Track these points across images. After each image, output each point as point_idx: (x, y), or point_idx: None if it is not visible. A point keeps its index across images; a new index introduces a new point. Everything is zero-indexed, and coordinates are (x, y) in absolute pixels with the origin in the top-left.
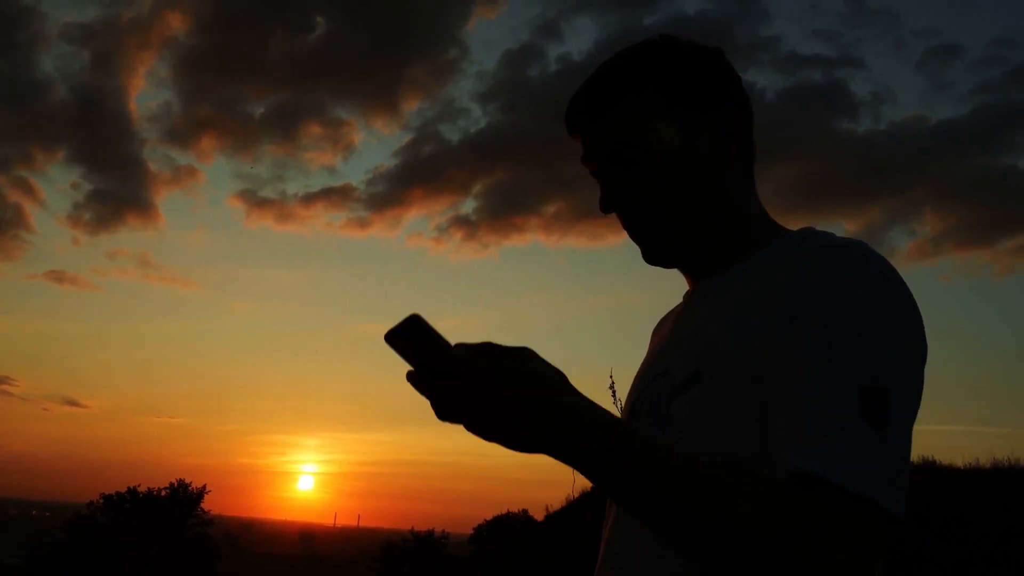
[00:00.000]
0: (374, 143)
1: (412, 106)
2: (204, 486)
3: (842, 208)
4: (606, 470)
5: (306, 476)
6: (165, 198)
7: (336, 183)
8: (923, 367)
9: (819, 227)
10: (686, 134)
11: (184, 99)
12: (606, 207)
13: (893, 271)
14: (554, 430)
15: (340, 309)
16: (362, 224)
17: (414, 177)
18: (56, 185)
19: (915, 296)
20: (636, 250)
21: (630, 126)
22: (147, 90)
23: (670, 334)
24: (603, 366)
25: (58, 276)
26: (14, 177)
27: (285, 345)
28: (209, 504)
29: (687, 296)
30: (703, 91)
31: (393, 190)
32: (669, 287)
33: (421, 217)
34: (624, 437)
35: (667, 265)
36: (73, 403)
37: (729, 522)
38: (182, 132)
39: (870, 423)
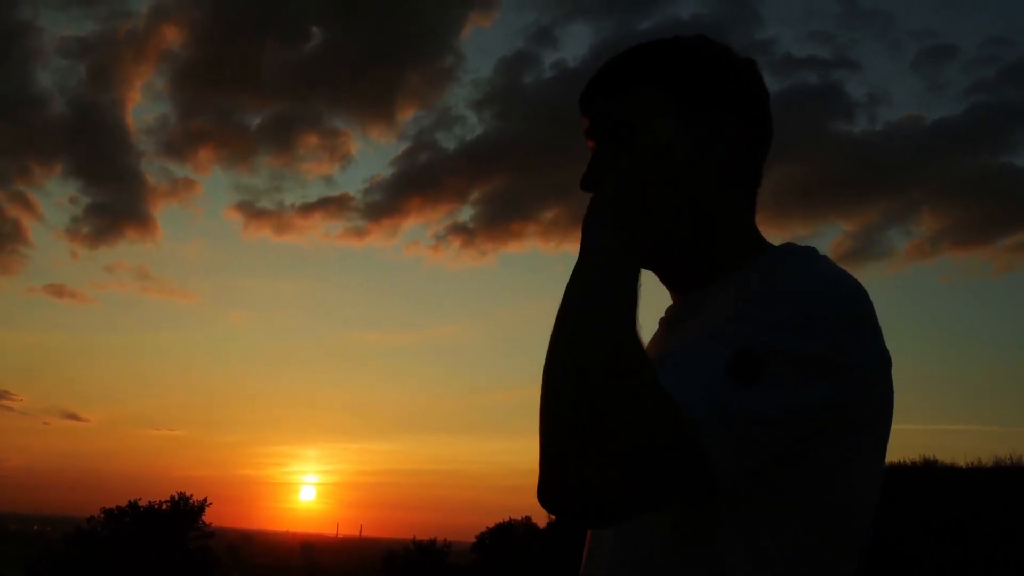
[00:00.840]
0: (371, 152)
1: (408, 115)
2: (205, 499)
3: (839, 209)
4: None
5: (307, 486)
6: (163, 210)
7: (333, 193)
8: (843, 382)
9: (811, 236)
10: (684, 133)
11: (181, 112)
12: (586, 182)
13: (845, 277)
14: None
15: (339, 318)
16: (360, 233)
17: (411, 186)
18: (54, 199)
19: (914, 296)
20: None
21: (631, 108)
22: (144, 103)
23: (653, 348)
24: None
25: (57, 290)
26: (12, 192)
27: (284, 355)
28: (210, 516)
29: (667, 314)
30: (713, 98)
31: (390, 199)
32: (666, 295)
33: (419, 225)
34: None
35: (644, 265)
36: (73, 417)
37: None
38: (179, 144)
39: (730, 374)
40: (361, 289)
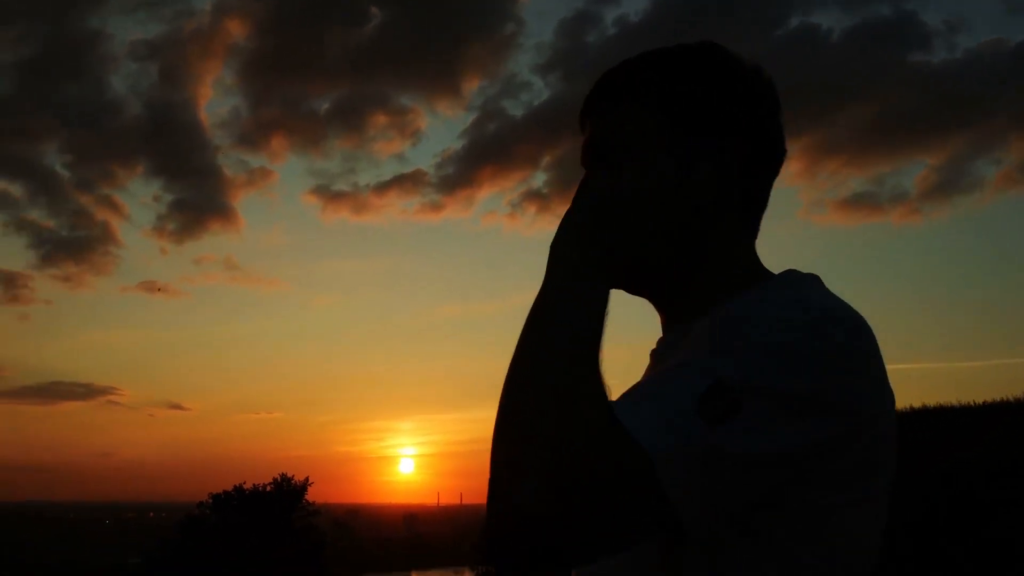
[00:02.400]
0: (440, 126)
1: (473, 86)
2: (307, 479)
3: (922, 144)
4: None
5: (406, 459)
6: (242, 201)
7: (407, 170)
8: (834, 430)
9: (894, 172)
10: (677, 158)
11: (251, 103)
12: None
13: (842, 308)
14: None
15: (422, 293)
16: (436, 208)
17: (483, 156)
18: (139, 199)
19: (1008, 227)
20: None
21: (622, 129)
22: (215, 98)
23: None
24: None
25: (149, 286)
26: (99, 195)
27: (372, 333)
28: (314, 494)
29: (657, 346)
30: (708, 116)
31: (463, 171)
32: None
33: (493, 195)
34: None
35: (627, 290)
36: (176, 407)
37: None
38: (252, 135)
39: (700, 413)
40: (442, 263)
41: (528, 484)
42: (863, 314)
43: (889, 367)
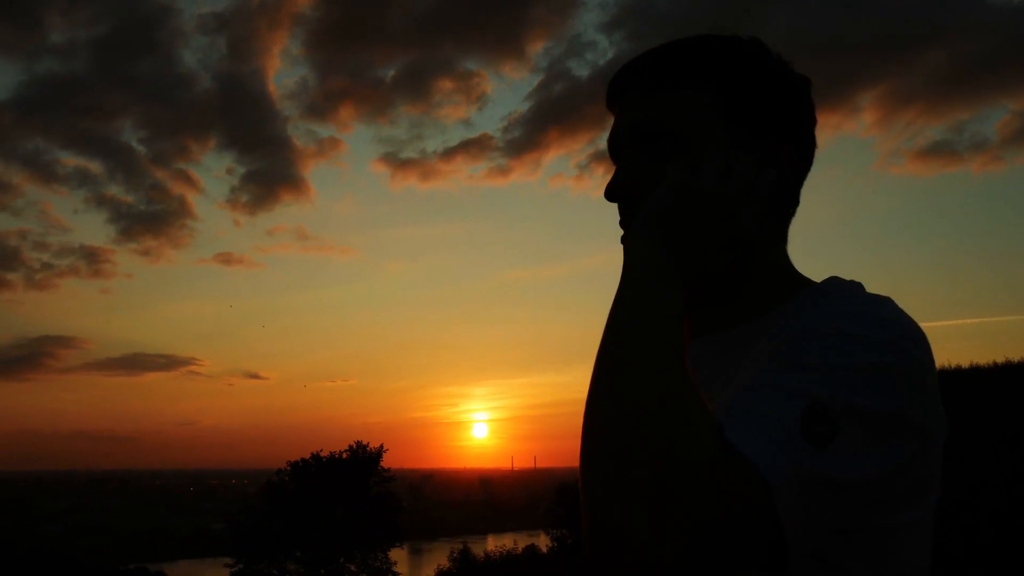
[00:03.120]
0: (506, 90)
1: (538, 47)
2: (381, 446)
3: (1003, 88)
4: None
5: (479, 424)
6: (313, 171)
7: (473, 135)
8: (917, 446)
9: (973, 119)
10: (742, 153)
11: (319, 73)
12: (614, 192)
13: (912, 324)
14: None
15: (492, 257)
16: (503, 172)
17: (549, 118)
18: (212, 172)
19: None
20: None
21: (678, 113)
22: (283, 69)
23: None
24: None
25: (225, 258)
26: (174, 170)
27: (443, 299)
28: (389, 460)
29: (695, 350)
30: (771, 115)
31: (530, 134)
32: None
33: (560, 157)
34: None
35: None
36: (254, 376)
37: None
38: (320, 105)
39: (806, 436)
40: (510, 227)
41: (636, 511)
42: (950, 265)
43: (971, 321)
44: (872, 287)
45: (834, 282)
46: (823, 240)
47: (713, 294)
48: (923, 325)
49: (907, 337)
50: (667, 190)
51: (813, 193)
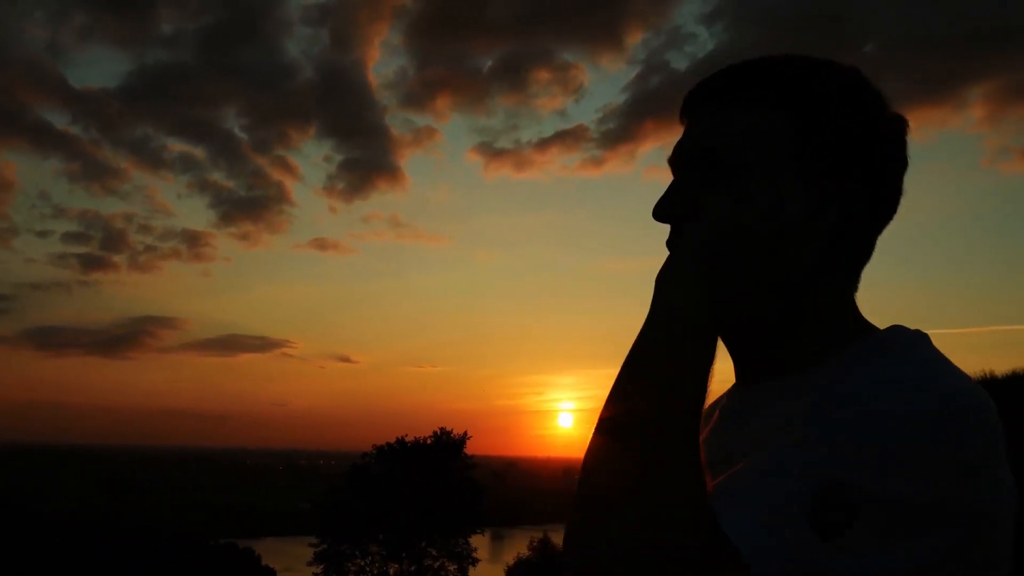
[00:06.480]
0: (602, 81)
1: (636, 39)
2: (465, 432)
3: None
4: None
5: (564, 413)
6: (408, 160)
7: (568, 126)
8: (969, 533)
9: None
10: (801, 190)
11: (417, 63)
12: (663, 212)
13: (968, 390)
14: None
15: (583, 248)
16: (597, 163)
17: (645, 110)
18: (311, 160)
19: None
20: None
21: (744, 137)
22: (382, 59)
23: (717, 443)
24: None
25: (320, 244)
26: (274, 157)
27: (533, 288)
28: (473, 446)
29: (728, 401)
30: (847, 153)
31: (625, 126)
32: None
33: (656, 149)
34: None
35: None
36: (345, 359)
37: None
38: (418, 95)
39: (813, 523)
40: (603, 218)
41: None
42: None
43: None
44: (973, 286)
45: (895, 332)
46: (926, 236)
47: (762, 339)
48: None
49: (958, 412)
50: (705, 224)
51: (916, 188)
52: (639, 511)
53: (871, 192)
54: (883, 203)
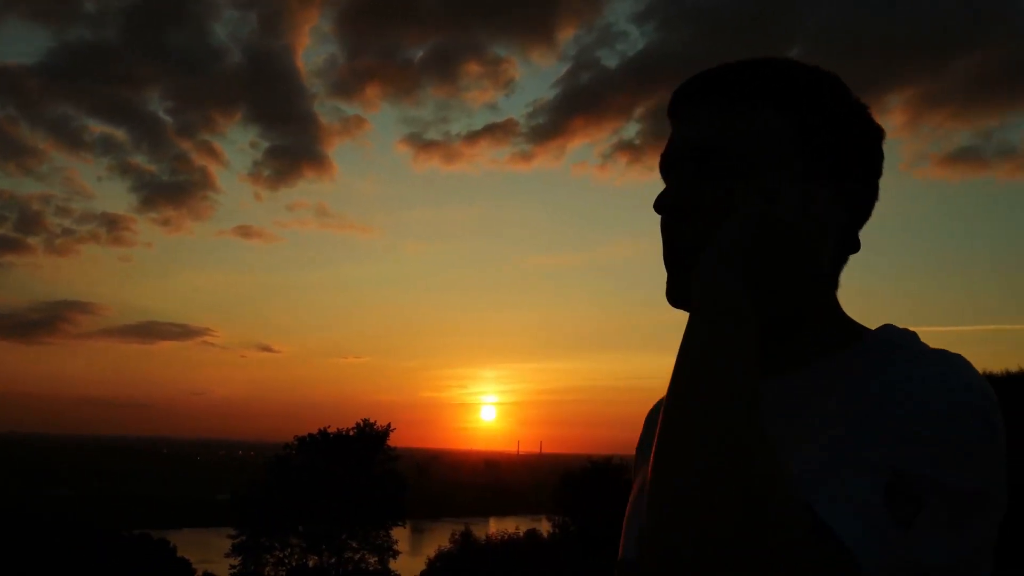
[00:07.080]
0: (533, 76)
1: (568, 35)
2: (388, 425)
3: None
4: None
5: (488, 407)
6: (337, 149)
7: (498, 119)
8: (986, 515)
9: (1003, 126)
10: (819, 188)
11: (347, 52)
12: (666, 205)
13: (986, 386)
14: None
15: (510, 242)
16: (526, 158)
17: (575, 106)
18: (236, 145)
19: None
20: None
21: (749, 134)
22: (312, 46)
23: None
24: None
25: (245, 231)
26: (198, 141)
27: (460, 281)
28: (396, 439)
29: None
30: (846, 155)
31: (555, 121)
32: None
33: (584, 145)
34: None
35: None
36: (267, 349)
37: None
38: (348, 84)
39: (892, 513)
40: (531, 212)
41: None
42: (966, 272)
43: (995, 328)
44: (888, 289)
45: (890, 331)
46: None
47: (772, 335)
48: (940, 330)
49: (987, 403)
50: (745, 219)
51: None
52: (740, 502)
53: (863, 192)
54: (869, 202)
